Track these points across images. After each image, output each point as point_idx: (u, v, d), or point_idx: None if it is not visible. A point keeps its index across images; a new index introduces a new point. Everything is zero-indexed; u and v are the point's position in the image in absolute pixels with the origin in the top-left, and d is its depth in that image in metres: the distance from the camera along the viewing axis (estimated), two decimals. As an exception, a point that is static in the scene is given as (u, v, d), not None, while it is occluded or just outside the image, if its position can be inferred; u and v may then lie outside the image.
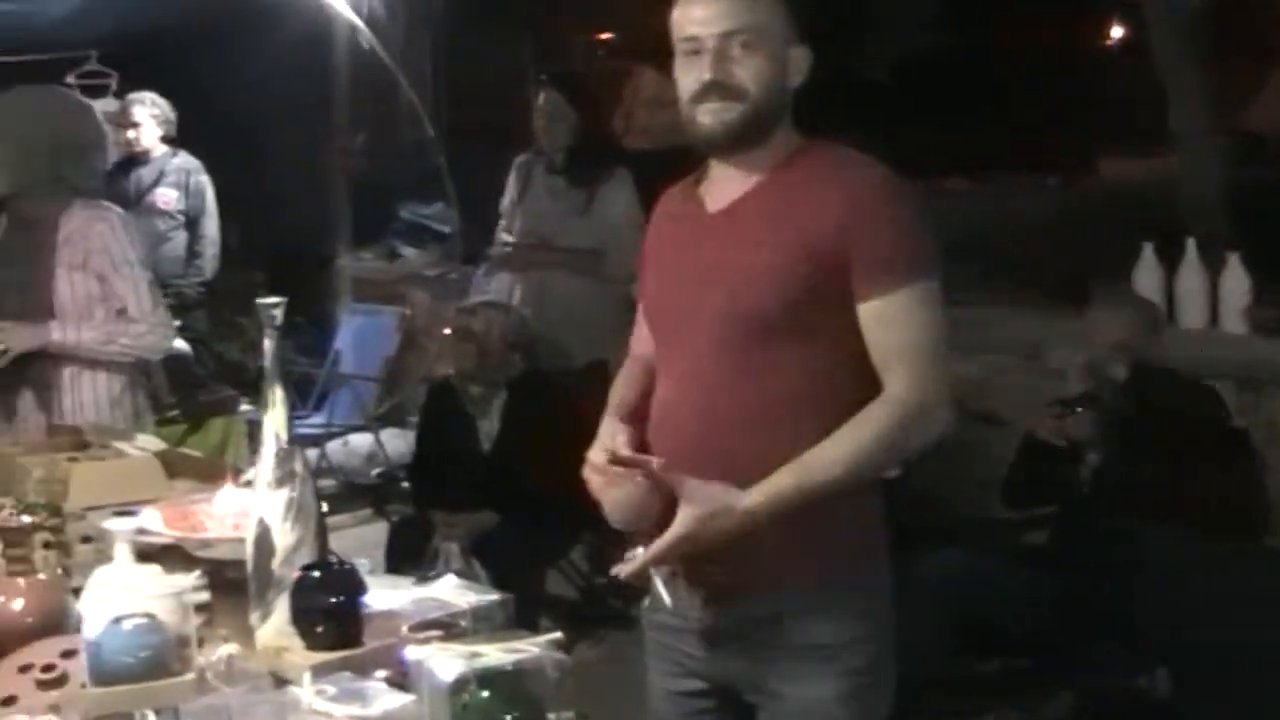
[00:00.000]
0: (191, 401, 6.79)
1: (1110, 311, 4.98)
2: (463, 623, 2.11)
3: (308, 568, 2.34)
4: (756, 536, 2.60)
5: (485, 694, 1.90)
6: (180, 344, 7.01)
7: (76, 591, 2.36)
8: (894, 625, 2.84)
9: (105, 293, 4.33)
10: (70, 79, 8.94)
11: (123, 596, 2.20)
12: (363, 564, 2.81)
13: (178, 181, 8.10)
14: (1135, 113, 8.97)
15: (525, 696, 1.93)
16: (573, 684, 2.03)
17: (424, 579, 2.65)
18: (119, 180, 8.13)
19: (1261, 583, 4.48)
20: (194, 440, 6.24)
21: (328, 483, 8.20)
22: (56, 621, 2.42)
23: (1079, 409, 4.74)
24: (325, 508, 2.56)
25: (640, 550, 2.62)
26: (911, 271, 2.69)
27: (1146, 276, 6.46)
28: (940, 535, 4.97)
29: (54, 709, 2.21)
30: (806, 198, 2.71)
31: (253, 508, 2.43)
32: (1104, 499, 4.64)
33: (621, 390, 3.00)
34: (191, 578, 2.44)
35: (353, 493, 7.84)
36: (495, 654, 1.92)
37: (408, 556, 5.42)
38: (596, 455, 2.76)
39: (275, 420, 2.43)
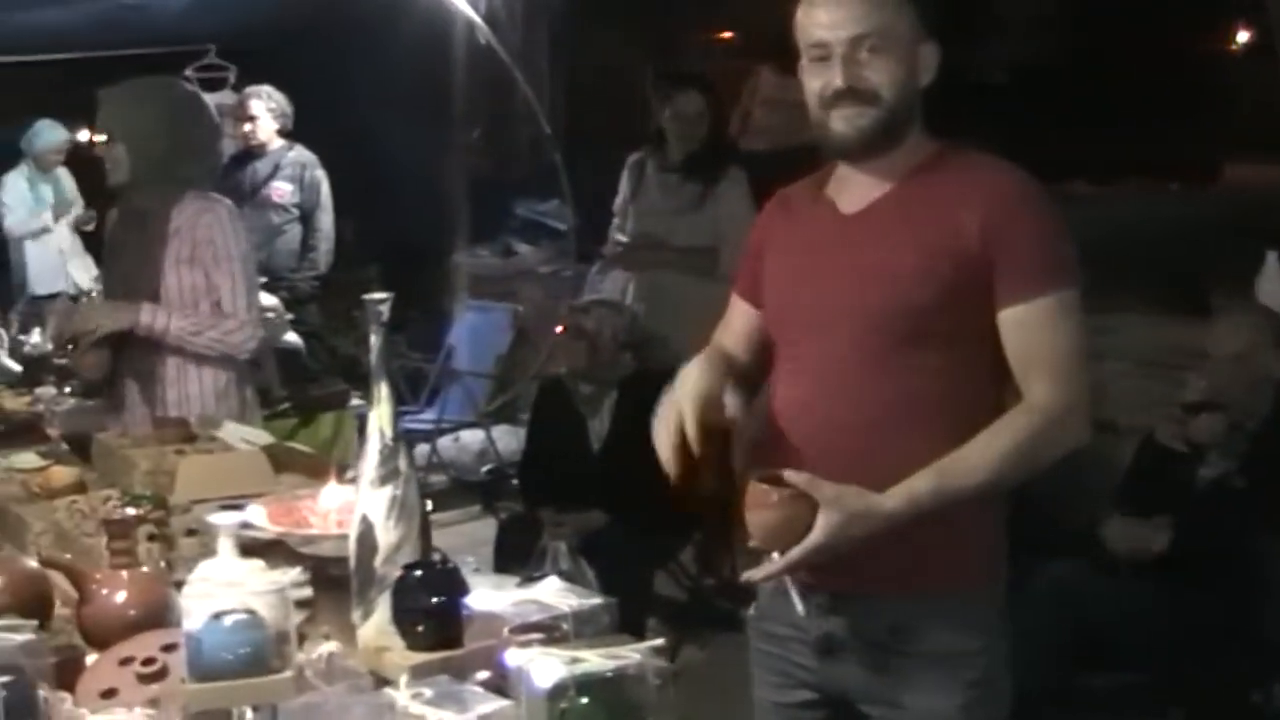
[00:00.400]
0: (302, 395, 6.84)
1: (1231, 321, 4.88)
2: (564, 626, 2.08)
3: (409, 567, 2.32)
4: (882, 543, 2.56)
5: (584, 700, 1.87)
6: (292, 338, 7.08)
7: (180, 585, 2.34)
8: (1010, 636, 2.80)
9: (210, 286, 4.35)
10: (189, 72, 9.05)
11: (224, 592, 2.19)
12: (468, 562, 2.78)
13: (293, 175, 8.15)
14: (1261, 117, 8.82)
15: (625, 703, 1.90)
16: (674, 691, 1.98)
17: (530, 579, 2.62)
18: (235, 173, 8.21)
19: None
20: (304, 434, 6.29)
21: (438, 479, 8.25)
22: (159, 615, 2.41)
23: (1200, 414, 4.65)
24: (430, 505, 2.54)
25: (775, 556, 2.56)
26: (1055, 279, 2.65)
27: (1269, 284, 6.31)
28: (1053, 544, 4.88)
29: (153, 703, 2.20)
30: (947, 201, 2.68)
31: (356, 505, 2.41)
32: (1223, 506, 4.54)
33: (712, 361, 2.86)
34: (293, 574, 2.43)
35: (462, 489, 7.86)
36: (595, 660, 1.88)
37: (516, 555, 5.39)
38: (688, 406, 2.64)
39: (381, 417, 2.41)
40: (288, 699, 2.11)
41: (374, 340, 2.42)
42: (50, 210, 9.21)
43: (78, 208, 9.51)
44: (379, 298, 2.41)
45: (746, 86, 9.70)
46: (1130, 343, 6.60)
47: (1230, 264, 6.69)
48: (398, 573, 2.32)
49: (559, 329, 6.13)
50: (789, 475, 2.55)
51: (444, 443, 8.58)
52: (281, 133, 8.18)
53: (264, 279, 7.15)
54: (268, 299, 6.95)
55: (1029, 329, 2.64)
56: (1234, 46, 12.73)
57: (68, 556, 2.72)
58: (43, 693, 2.04)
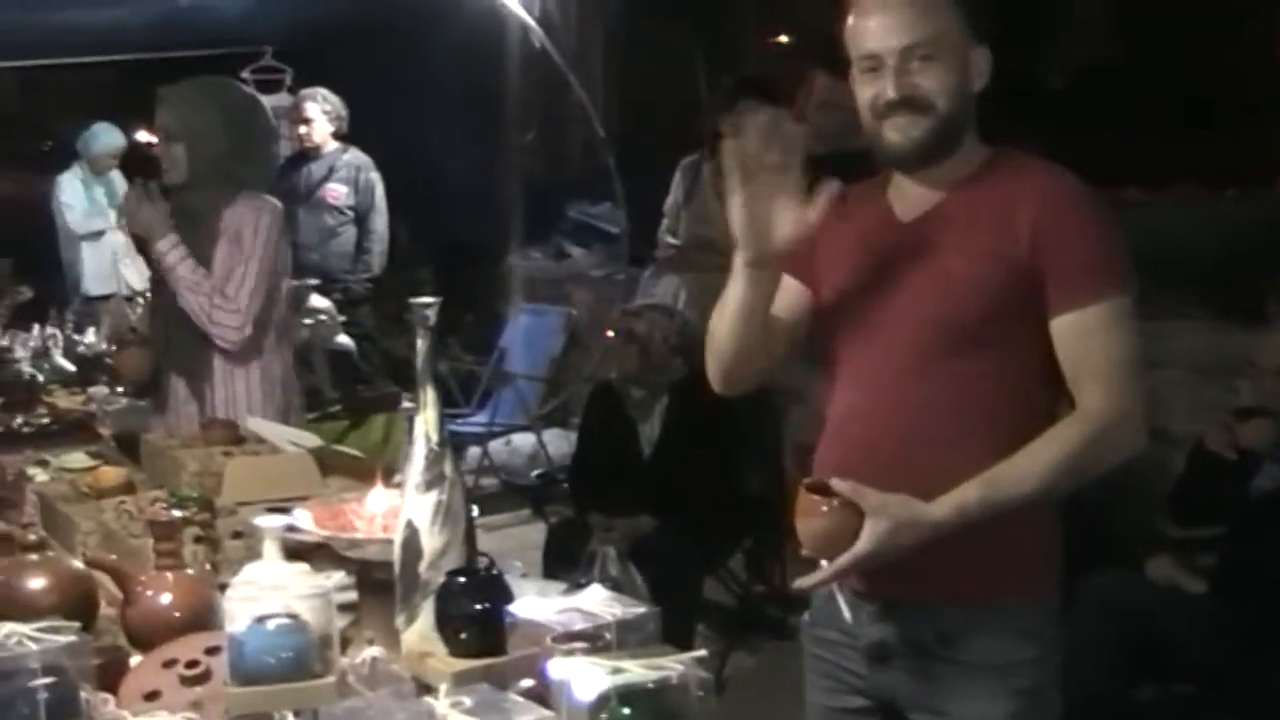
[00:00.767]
0: (354, 397, 6.85)
1: (1282, 330, 4.85)
2: (607, 635, 2.05)
3: (454, 573, 2.30)
4: (933, 550, 2.54)
5: (626, 711, 1.84)
6: (344, 339, 7.10)
7: (224, 588, 2.34)
8: (1062, 646, 2.78)
9: (225, 271, 4.36)
10: (245, 74, 9.10)
11: (268, 595, 2.18)
12: (515, 567, 2.77)
13: (348, 177, 8.19)
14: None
15: (667, 714, 1.87)
16: (718, 700, 1.96)
17: (577, 584, 2.61)
18: (290, 175, 8.27)
19: None
20: (355, 436, 6.29)
21: (489, 482, 8.26)
22: (204, 617, 2.40)
23: (1251, 420, 4.61)
24: (476, 510, 2.52)
25: (825, 564, 2.55)
26: (1107, 285, 2.62)
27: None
28: (1105, 553, 4.84)
29: (195, 705, 2.19)
30: (1000, 207, 2.66)
31: (401, 510, 2.41)
32: (1276, 515, 4.49)
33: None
34: (337, 578, 2.42)
35: (513, 493, 7.86)
36: (638, 670, 1.86)
37: (565, 559, 5.39)
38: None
39: (427, 421, 2.40)
40: (329, 704, 2.09)
41: (420, 344, 2.41)
42: (108, 212, 9.26)
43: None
44: (426, 302, 2.40)
45: (801, 90, 9.67)
46: (1184, 349, 6.54)
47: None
48: (442, 578, 2.31)
49: (610, 333, 6.10)
50: (835, 484, 2.53)
51: (495, 446, 8.58)
52: (336, 135, 8.22)
53: (317, 281, 7.21)
54: (320, 301, 7.00)
55: (1081, 336, 2.62)
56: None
57: (113, 557, 2.72)
58: (85, 694, 2.04)
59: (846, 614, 2.67)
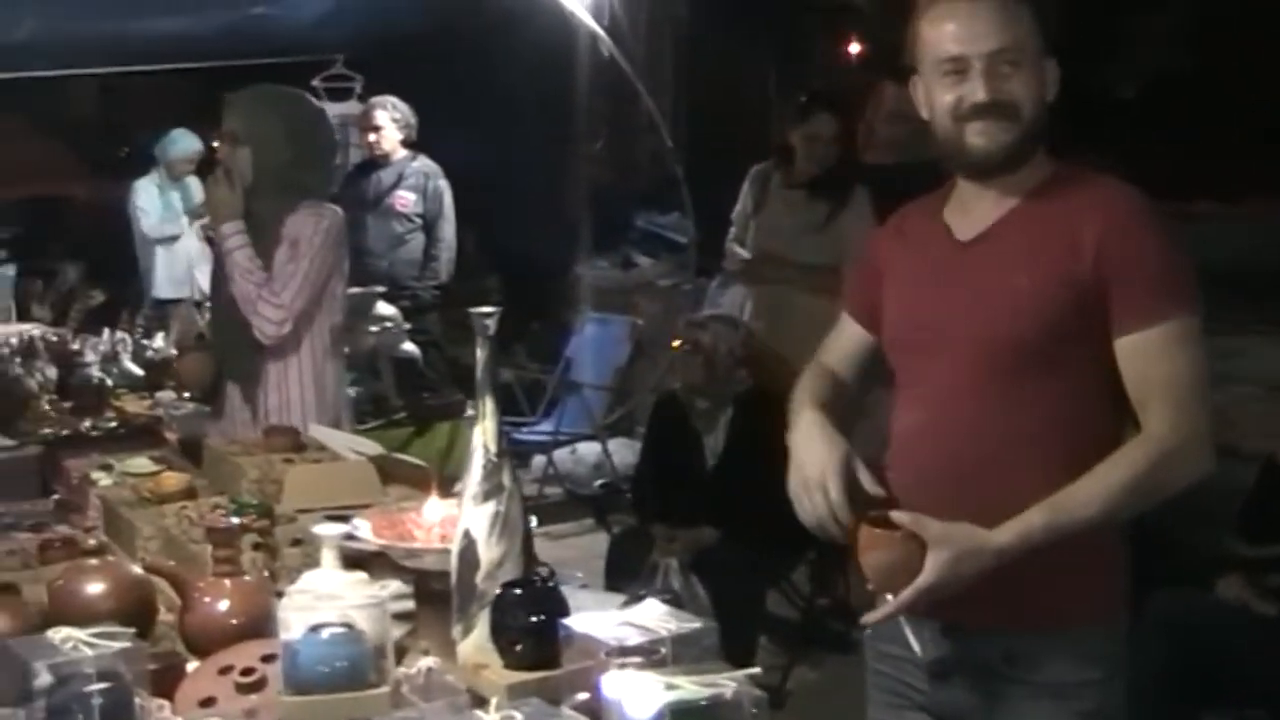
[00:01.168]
0: (419, 405, 6.87)
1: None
2: (662, 650, 2.04)
3: (509, 584, 2.29)
4: (1000, 576, 2.51)
5: (680, 728, 1.83)
6: (409, 347, 7.12)
7: (282, 595, 2.34)
8: (1126, 668, 2.74)
9: (276, 269, 4.38)
10: (316, 82, 9.15)
11: (323, 604, 2.18)
12: (576, 577, 2.76)
13: (416, 185, 8.21)
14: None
15: (721, 731, 1.86)
16: (770, 718, 1.94)
17: (636, 596, 2.59)
18: (359, 182, 8.31)
19: None
20: (419, 444, 6.30)
21: (554, 491, 8.25)
22: (261, 624, 2.40)
23: None
24: (535, 521, 2.51)
25: (889, 597, 2.53)
26: (1172, 306, 2.58)
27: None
28: (1173, 572, 4.77)
29: (250, 713, 2.20)
30: (1062, 225, 2.62)
31: (459, 520, 2.40)
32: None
33: (815, 387, 2.89)
34: (393, 587, 2.42)
35: (577, 502, 7.86)
36: (690, 687, 1.84)
37: (627, 570, 5.38)
38: (833, 481, 2.64)
39: (485, 432, 2.39)
40: (382, 714, 2.10)
41: (480, 354, 2.40)
42: (185, 217, 9.32)
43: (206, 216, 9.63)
44: (486, 311, 2.39)
45: (871, 100, 9.64)
46: (1257, 365, 6.47)
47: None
48: (498, 589, 2.30)
49: (675, 343, 6.09)
50: (895, 516, 2.52)
51: (560, 455, 8.58)
52: (405, 143, 8.25)
53: (383, 288, 7.23)
54: (386, 308, 7.02)
55: (1145, 358, 2.58)
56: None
57: (171, 563, 2.73)
58: (139, 700, 2.04)
59: (915, 646, 2.65)
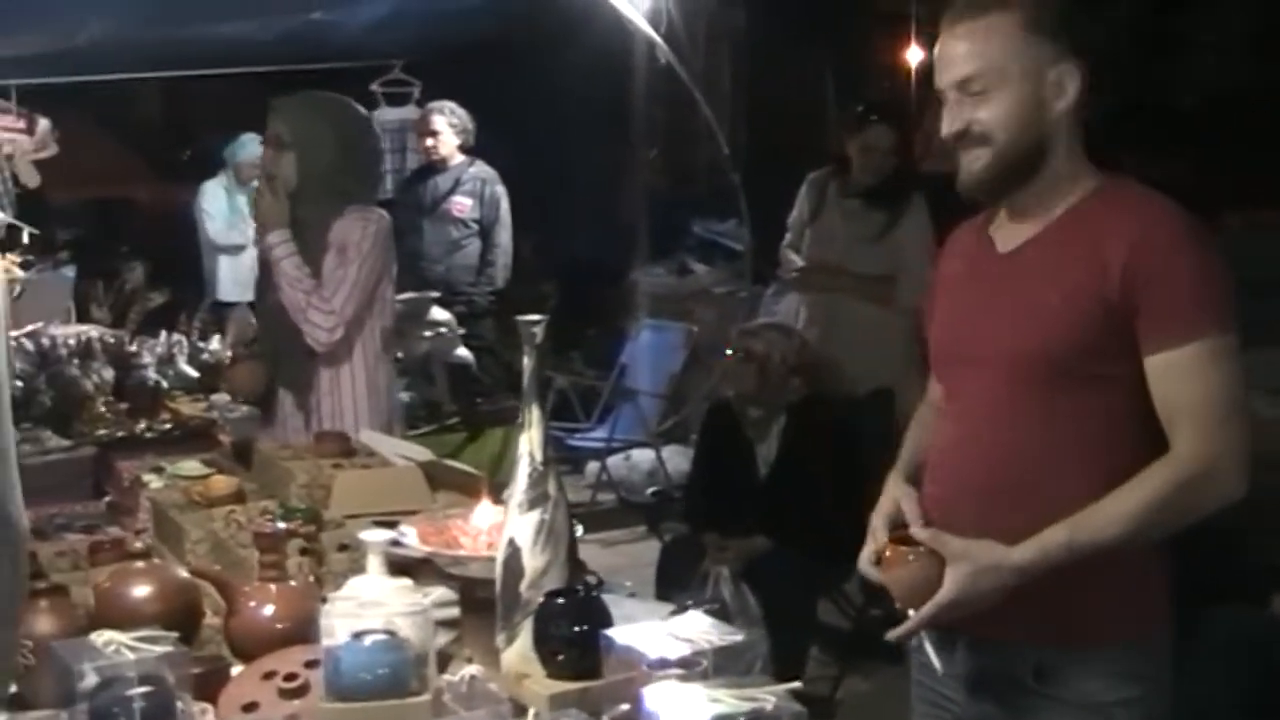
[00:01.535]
0: (472, 410, 6.87)
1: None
2: (704, 662, 2.03)
3: (553, 594, 2.29)
4: (1027, 592, 2.50)
5: (720, 741, 1.82)
6: (463, 352, 7.13)
7: (328, 600, 2.34)
8: (1172, 689, 2.70)
9: (328, 276, 4.39)
10: (374, 86, 9.18)
11: (367, 611, 2.18)
12: (625, 585, 2.76)
13: (473, 190, 8.22)
14: None
15: (761, 745, 1.85)
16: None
17: (683, 606, 2.58)
18: (416, 187, 8.33)
19: None
20: (471, 449, 6.31)
21: (606, 497, 8.25)
22: (305, 630, 2.40)
23: None
24: (581, 530, 2.51)
25: (912, 613, 2.53)
26: (1202, 325, 2.53)
27: None
28: (1229, 588, 4.72)
29: (292, 718, 2.20)
30: (1092, 243, 2.58)
31: (504, 528, 2.40)
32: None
33: (912, 440, 2.98)
34: (436, 594, 2.42)
35: (629, 509, 7.85)
36: (731, 700, 1.83)
37: (678, 578, 5.36)
38: (879, 523, 2.72)
39: (531, 440, 2.39)
40: (423, 722, 2.10)
41: (527, 362, 2.40)
42: (248, 222, 9.35)
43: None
44: (533, 319, 2.39)
45: (929, 110, 9.59)
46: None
47: None
48: (542, 598, 2.30)
49: (728, 352, 6.07)
50: (916, 532, 2.55)
51: (614, 461, 8.57)
52: (463, 148, 8.26)
53: (438, 293, 7.25)
54: (441, 314, 7.03)
55: (1174, 377, 2.53)
56: None
57: (217, 567, 2.74)
58: (181, 704, 2.05)
59: (936, 663, 2.65)
